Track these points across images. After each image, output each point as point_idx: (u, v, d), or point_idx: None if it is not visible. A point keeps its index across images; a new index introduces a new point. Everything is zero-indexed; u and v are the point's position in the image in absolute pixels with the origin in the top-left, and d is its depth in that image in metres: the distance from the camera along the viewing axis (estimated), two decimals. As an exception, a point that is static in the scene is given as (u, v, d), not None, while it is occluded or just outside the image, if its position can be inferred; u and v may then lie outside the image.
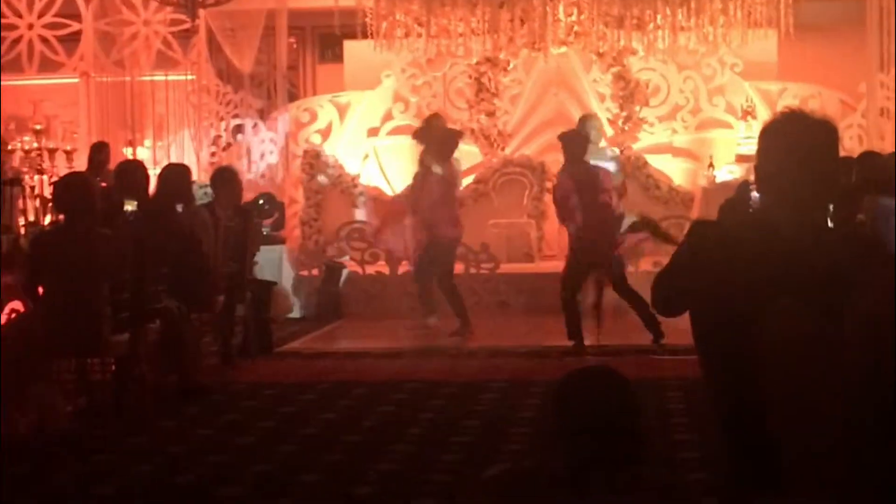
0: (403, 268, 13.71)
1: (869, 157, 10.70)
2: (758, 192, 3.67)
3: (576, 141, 11.47)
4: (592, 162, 11.71)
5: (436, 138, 12.52)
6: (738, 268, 3.49)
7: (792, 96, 16.37)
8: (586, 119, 13.32)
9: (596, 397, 3.38)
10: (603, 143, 13.93)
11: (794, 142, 3.57)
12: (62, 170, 13.95)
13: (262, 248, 11.94)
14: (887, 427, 3.27)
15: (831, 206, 9.62)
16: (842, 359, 3.31)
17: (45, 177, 14.07)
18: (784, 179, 3.53)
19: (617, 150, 14.15)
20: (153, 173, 10.77)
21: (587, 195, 11.08)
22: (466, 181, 15.26)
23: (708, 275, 3.53)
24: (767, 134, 3.64)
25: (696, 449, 7.17)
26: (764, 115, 16.04)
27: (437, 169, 12.31)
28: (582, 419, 3.34)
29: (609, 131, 16.27)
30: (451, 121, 16.34)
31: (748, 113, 15.99)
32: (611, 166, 12.80)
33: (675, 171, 16.31)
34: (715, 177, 15.57)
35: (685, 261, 3.64)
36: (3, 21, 16.09)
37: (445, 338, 11.96)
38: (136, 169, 10.18)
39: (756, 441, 3.50)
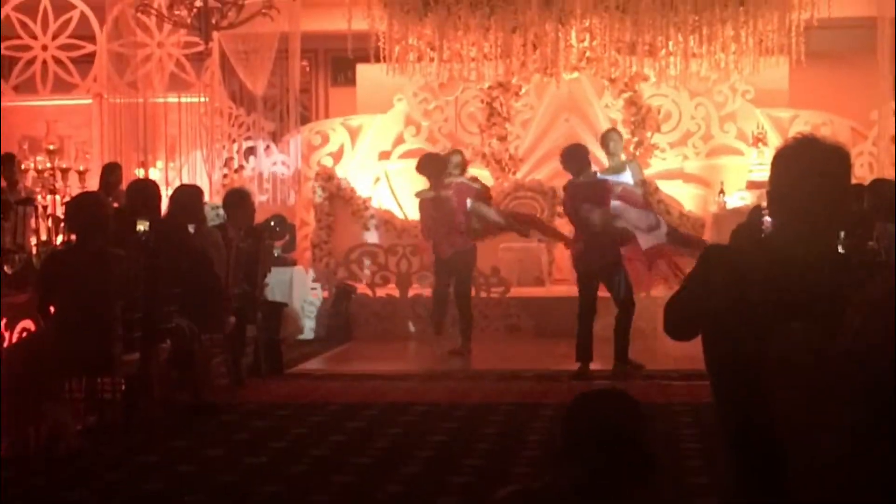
0: (413, 290, 13.73)
1: (880, 184, 10.71)
2: (770, 216, 3.68)
3: (573, 155, 11.48)
4: (609, 176, 11.82)
5: (423, 166, 12.65)
6: (751, 291, 3.50)
7: (803, 123, 16.40)
8: (606, 133, 13.39)
9: (606, 418, 3.39)
10: (624, 157, 13.88)
11: (807, 167, 3.56)
12: (75, 190, 14.00)
13: (273, 269, 11.96)
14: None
15: (843, 233, 9.68)
16: (851, 381, 3.33)
17: (57, 196, 14.11)
18: (796, 204, 3.53)
19: (636, 164, 14.02)
20: (165, 194, 10.81)
21: (583, 208, 11.12)
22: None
23: (720, 298, 3.55)
24: (780, 159, 3.64)
25: (705, 474, 7.16)
26: (775, 141, 16.06)
27: (427, 194, 12.46)
28: (591, 440, 3.35)
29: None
30: (463, 145, 16.41)
31: (759, 140, 16.02)
32: (626, 178, 12.75)
33: (686, 196, 16.33)
34: (726, 203, 15.59)
35: (698, 285, 3.65)
36: (17, 42, 16.18)
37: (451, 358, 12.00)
38: (148, 188, 10.21)
39: (764, 463, 3.52)
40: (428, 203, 12.50)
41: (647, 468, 3.37)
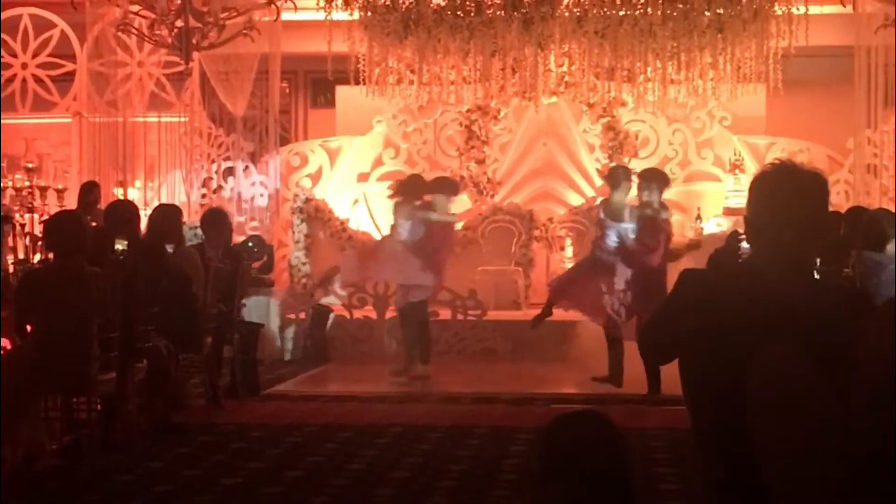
0: (390, 313, 13.73)
1: (856, 212, 10.78)
2: (748, 241, 3.70)
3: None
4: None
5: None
6: (728, 315, 3.52)
7: (780, 151, 16.50)
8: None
9: (583, 441, 3.38)
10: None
11: (785, 192, 3.59)
12: (53, 208, 13.97)
13: (251, 290, 11.96)
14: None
15: (818, 260, 9.74)
16: (831, 405, 3.35)
17: (35, 215, 14.09)
18: (774, 229, 3.55)
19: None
20: (144, 214, 10.80)
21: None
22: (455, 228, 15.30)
23: (697, 322, 3.57)
24: (758, 184, 3.65)
25: (682, 498, 7.19)
26: (752, 168, 16.15)
27: (400, 229, 12.40)
28: (569, 463, 3.35)
29: (598, 181, 16.37)
30: (442, 168, 16.46)
31: (736, 166, 16.11)
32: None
33: (662, 222, 16.38)
34: (703, 229, 15.66)
35: (674, 308, 3.67)
36: (-3, 60, 16.16)
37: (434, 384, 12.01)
38: (126, 209, 10.21)
39: (742, 489, 3.54)
40: (394, 237, 12.46)
41: (625, 491, 3.37)
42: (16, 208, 13.76)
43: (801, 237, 3.56)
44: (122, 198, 14.74)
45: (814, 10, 14.08)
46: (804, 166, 3.69)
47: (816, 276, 9.79)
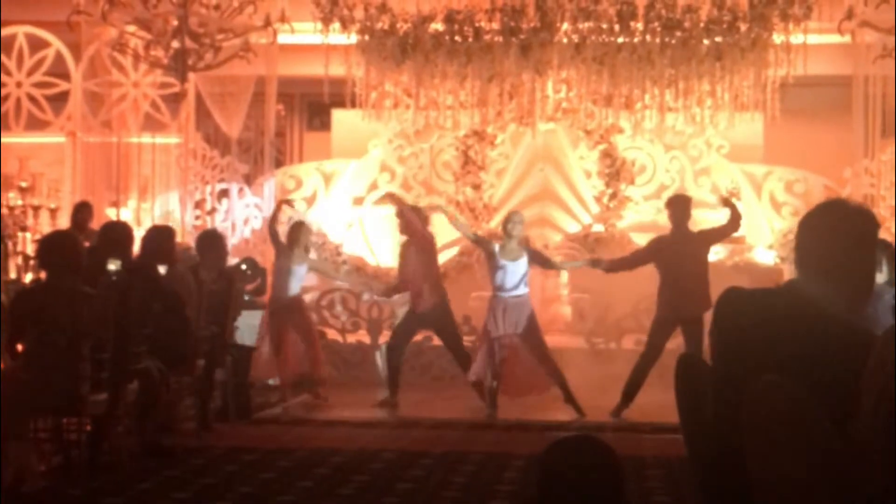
0: (384, 337, 13.65)
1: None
2: (797, 270, 3.74)
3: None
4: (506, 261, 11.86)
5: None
6: (742, 338, 3.60)
7: (777, 179, 16.49)
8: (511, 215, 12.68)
9: (580, 466, 3.34)
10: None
11: (840, 232, 3.65)
12: (45, 228, 13.92)
13: (244, 313, 11.89)
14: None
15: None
16: (826, 435, 3.33)
17: (28, 234, 14.03)
18: (821, 264, 3.62)
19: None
20: (137, 235, 10.73)
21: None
22: (450, 253, 15.25)
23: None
24: (814, 220, 3.71)
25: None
26: (749, 197, 16.13)
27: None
28: (567, 488, 3.30)
29: (594, 208, 16.34)
30: (437, 192, 16.42)
31: (733, 194, 16.04)
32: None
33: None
34: (698, 257, 15.60)
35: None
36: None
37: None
38: (121, 229, 10.15)
39: None
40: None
41: None
42: (9, 227, 13.69)
43: (846, 276, 3.61)
44: (115, 218, 14.67)
45: (812, 39, 14.10)
46: (856, 206, 3.78)
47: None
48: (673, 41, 14.12)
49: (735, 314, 3.65)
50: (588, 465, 3.32)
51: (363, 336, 14.03)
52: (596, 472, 3.31)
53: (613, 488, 3.32)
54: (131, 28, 13.49)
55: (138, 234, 10.73)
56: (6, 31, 16.11)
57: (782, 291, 3.74)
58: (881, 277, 8.91)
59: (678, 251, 11.36)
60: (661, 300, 11.48)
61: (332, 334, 14.22)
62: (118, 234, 9.79)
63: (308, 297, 15.41)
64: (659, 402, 10.57)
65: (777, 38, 14.15)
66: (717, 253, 15.27)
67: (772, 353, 3.52)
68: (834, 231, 3.64)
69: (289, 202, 13.74)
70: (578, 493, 3.27)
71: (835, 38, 14.14)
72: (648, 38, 14.08)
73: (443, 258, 14.18)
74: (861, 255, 3.66)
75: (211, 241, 11.02)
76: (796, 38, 14.05)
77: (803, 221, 3.73)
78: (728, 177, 16.50)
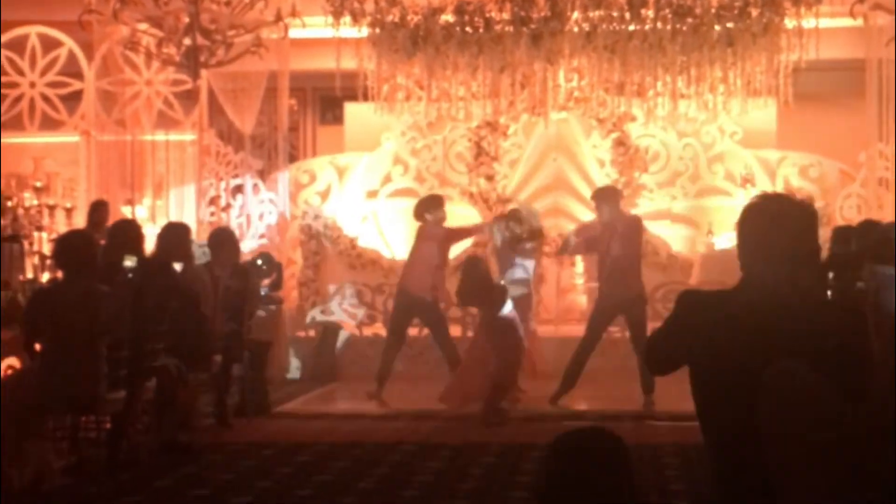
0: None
1: (868, 226, 10.72)
2: (741, 267, 3.88)
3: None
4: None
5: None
6: (730, 335, 3.70)
7: (791, 165, 16.44)
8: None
9: (590, 456, 3.32)
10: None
11: (775, 221, 3.81)
12: (61, 227, 13.96)
13: (260, 308, 11.91)
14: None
15: (831, 275, 9.70)
16: (842, 418, 3.38)
17: (44, 234, 14.06)
18: (765, 256, 3.78)
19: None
20: (152, 232, 10.76)
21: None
22: (465, 245, 15.26)
23: (697, 341, 3.77)
24: (747, 215, 3.90)
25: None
26: (763, 182, 16.08)
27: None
28: (575, 480, 3.28)
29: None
30: (451, 184, 16.42)
31: (747, 181, 16.03)
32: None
33: (673, 237, 16.32)
34: (714, 244, 15.59)
35: (675, 327, 3.88)
36: (4, 79, 16.15)
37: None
38: (131, 227, 10.17)
39: (754, 497, 3.54)
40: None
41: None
42: (25, 226, 13.73)
43: (791, 264, 3.75)
44: (130, 216, 14.70)
45: (824, 23, 14.02)
46: (792, 197, 3.99)
47: (829, 292, 9.83)
48: (684, 28, 14.07)
49: (706, 314, 3.82)
50: (596, 456, 3.31)
51: (380, 329, 14.05)
52: (604, 463, 3.30)
53: (622, 479, 3.31)
54: (143, 26, 13.49)
55: (154, 232, 10.77)
56: (18, 31, 16.14)
57: (745, 288, 3.84)
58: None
59: (610, 237, 11.77)
60: (600, 287, 12.04)
61: (348, 328, 14.25)
62: (128, 232, 9.81)
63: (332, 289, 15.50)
64: (674, 390, 10.59)
65: (789, 23, 14.08)
66: (731, 239, 15.25)
67: (771, 346, 3.60)
68: (780, 218, 3.79)
69: None
70: (587, 483, 3.26)
71: (847, 22, 14.09)
72: (659, 25, 14.03)
73: (457, 250, 14.16)
74: (809, 237, 3.81)
75: (223, 238, 11.03)
76: (808, 23, 13.98)
77: (746, 217, 3.88)
78: (742, 163, 16.46)
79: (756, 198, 3.93)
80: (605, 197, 12.15)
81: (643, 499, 3.32)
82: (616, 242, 11.70)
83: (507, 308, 11.24)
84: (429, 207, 12.56)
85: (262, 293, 12.84)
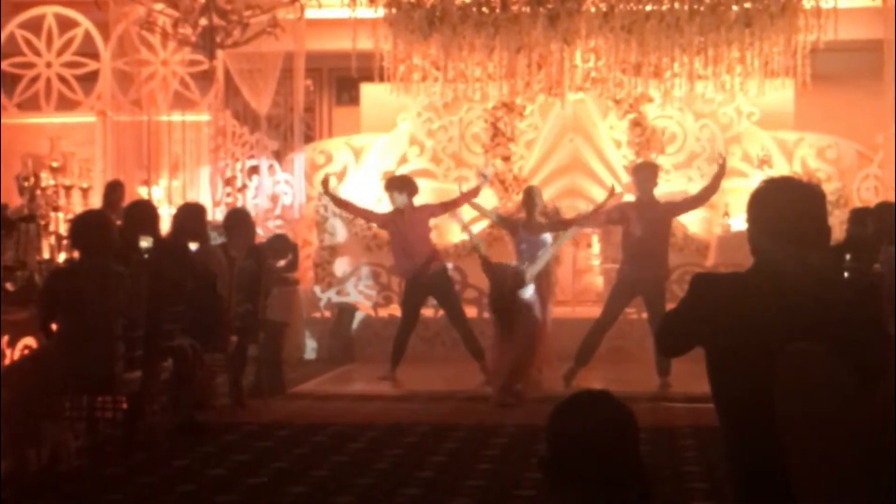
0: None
1: (885, 207, 10.69)
2: (752, 251, 3.90)
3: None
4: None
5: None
6: (745, 318, 3.72)
7: (808, 146, 16.37)
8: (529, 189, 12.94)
9: (590, 421, 3.27)
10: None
11: (784, 204, 3.84)
12: (78, 207, 13.98)
13: (276, 289, 11.91)
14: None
15: (848, 256, 9.68)
16: (856, 399, 3.38)
17: (60, 214, 14.08)
18: (775, 238, 3.80)
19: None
20: (168, 213, 10.76)
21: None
22: (482, 225, 15.24)
23: (711, 324, 3.79)
24: (756, 199, 3.91)
25: (710, 498, 7.11)
26: (780, 164, 16.04)
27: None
28: (577, 444, 3.23)
29: (625, 178, 16.27)
30: (467, 165, 16.42)
31: (764, 162, 15.99)
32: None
33: (690, 219, 16.25)
34: (730, 225, 15.56)
35: (687, 310, 3.91)
36: (22, 59, 16.17)
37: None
38: (145, 208, 10.17)
39: (771, 483, 3.56)
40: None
41: (636, 469, 3.25)
42: (41, 206, 13.75)
43: (801, 245, 3.78)
44: (144, 197, 14.71)
45: (843, 3, 13.96)
46: (798, 180, 4.09)
47: (846, 274, 9.81)
48: (701, 8, 14.01)
49: (720, 295, 3.84)
50: (598, 420, 3.26)
51: (395, 310, 14.04)
52: (606, 427, 3.25)
53: (625, 442, 3.26)
54: (159, 6, 13.47)
55: (169, 213, 10.78)
56: (35, 11, 16.16)
57: (758, 270, 3.86)
58: None
59: (641, 217, 11.60)
60: (622, 267, 11.88)
61: (363, 308, 14.25)
62: (144, 213, 9.81)
63: (340, 273, 15.49)
64: (691, 371, 10.58)
65: (807, 3, 14.01)
66: (747, 221, 15.21)
67: (785, 327, 3.61)
68: (787, 201, 3.82)
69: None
70: (589, 448, 3.21)
71: (866, 2, 14.06)
72: (677, 5, 13.98)
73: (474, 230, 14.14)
74: (818, 218, 3.84)
75: (239, 218, 11.03)
76: (826, 3, 13.91)
77: (754, 202, 3.90)
78: (759, 144, 16.41)
79: (763, 182, 3.96)
80: (644, 174, 11.96)
81: (648, 472, 3.28)
82: (646, 222, 11.58)
83: (529, 292, 11.22)
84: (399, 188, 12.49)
85: (278, 274, 12.84)
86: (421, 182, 13.53)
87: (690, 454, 8.49)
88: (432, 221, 12.80)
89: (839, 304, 3.71)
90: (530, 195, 12.32)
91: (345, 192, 16.40)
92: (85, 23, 16.12)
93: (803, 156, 16.43)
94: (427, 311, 13.14)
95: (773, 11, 13.98)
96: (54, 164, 15.24)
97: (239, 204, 15.44)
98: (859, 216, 11.25)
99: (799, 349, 3.46)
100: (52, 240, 13.04)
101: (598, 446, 3.20)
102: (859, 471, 3.33)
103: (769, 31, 14.14)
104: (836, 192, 15.36)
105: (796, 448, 3.40)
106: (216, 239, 11.06)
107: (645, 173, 11.95)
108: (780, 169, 15.96)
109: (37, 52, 16.21)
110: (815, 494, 3.36)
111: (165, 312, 8.83)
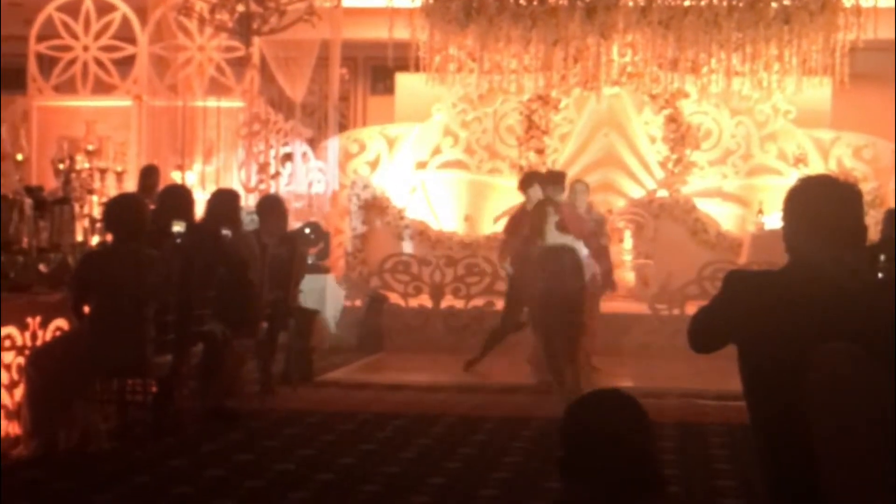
0: (446, 302, 13.66)
1: (920, 208, 10.61)
2: (787, 249, 3.87)
3: None
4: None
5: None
6: (779, 317, 3.70)
7: (845, 145, 16.29)
8: (574, 184, 12.73)
9: (604, 419, 3.28)
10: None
11: (822, 203, 3.81)
12: (112, 190, 14.02)
13: (307, 276, 11.92)
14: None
15: (882, 257, 9.61)
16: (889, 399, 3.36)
17: (94, 197, 14.12)
18: (811, 237, 3.77)
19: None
20: (202, 198, 10.78)
21: None
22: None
23: (745, 321, 3.77)
24: (794, 196, 3.88)
25: (739, 496, 7.08)
26: (816, 162, 15.95)
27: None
28: (590, 442, 3.24)
29: (659, 174, 16.23)
30: (501, 157, 16.40)
31: (800, 160, 15.92)
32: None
33: (723, 215, 16.23)
34: (764, 223, 15.48)
35: (720, 307, 3.89)
36: (59, 42, 16.23)
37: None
38: (181, 193, 10.19)
39: (801, 482, 3.54)
40: None
41: (650, 466, 3.24)
42: (76, 188, 13.79)
43: (836, 244, 3.75)
44: (178, 182, 14.75)
45: (883, 2, 13.87)
46: (835, 178, 4.03)
47: (880, 274, 9.74)
48: (740, 4, 13.96)
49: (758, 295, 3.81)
50: (611, 419, 3.26)
51: (425, 300, 14.05)
52: (621, 424, 3.25)
53: (638, 440, 3.25)
54: (197, -8, 13.53)
55: (203, 198, 10.79)
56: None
57: (792, 269, 3.84)
58: None
59: None
60: None
61: (394, 298, 14.26)
62: (178, 197, 9.82)
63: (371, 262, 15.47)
64: (722, 368, 10.53)
65: (847, 1, 13.95)
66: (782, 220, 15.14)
67: (818, 326, 3.60)
68: (823, 199, 3.80)
69: None
70: (602, 446, 3.21)
71: (906, 1, 13.94)
72: (715, 1, 13.93)
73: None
74: (854, 217, 3.81)
75: (271, 205, 11.03)
76: (866, 1, 13.84)
77: (790, 200, 3.86)
78: (795, 142, 16.34)
79: (799, 181, 3.94)
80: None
81: (662, 469, 3.27)
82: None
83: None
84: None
85: (309, 262, 12.86)
86: (454, 173, 13.56)
87: (720, 452, 8.45)
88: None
89: (874, 304, 3.68)
90: (574, 191, 12.18)
91: (377, 181, 16.43)
92: (123, 7, 16.18)
93: (839, 155, 16.34)
94: (457, 302, 13.12)
95: (812, 9, 13.91)
96: (90, 148, 15.25)
97: (272, 191, 15.46)
98: (895, 217, 11.17)
99: (832, 349, 3.46)
100: (86, 222, 13.06)
101: (611, 445, 3.20)
102: (891, 471, 3.32)
103: (808, 29, 14.08)
104: (871, 191, 15.27)
105: (828, 449, 3.39)
106: (249, 225, 11.08)
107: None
108: (816, 167, 15.88)
109: (74, 36, 16.27)
110: (846, 493, 3.35)
111: (197, 297, 8.84)
